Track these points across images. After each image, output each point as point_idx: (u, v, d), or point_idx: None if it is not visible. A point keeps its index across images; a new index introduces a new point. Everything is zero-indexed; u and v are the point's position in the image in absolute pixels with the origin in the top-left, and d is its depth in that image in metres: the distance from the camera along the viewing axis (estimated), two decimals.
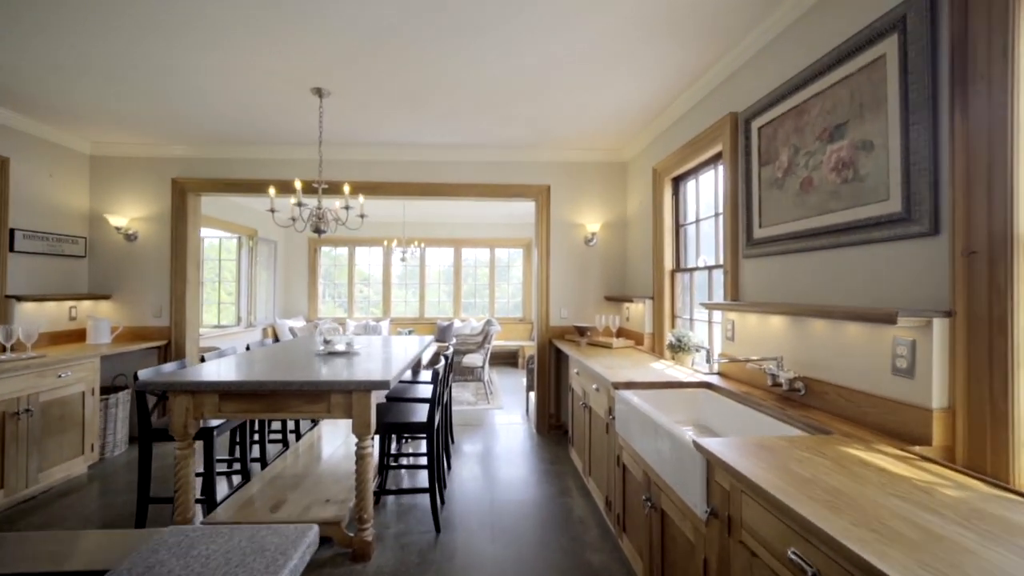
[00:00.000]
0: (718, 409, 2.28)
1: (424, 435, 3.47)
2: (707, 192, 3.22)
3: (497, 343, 8.11)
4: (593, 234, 4.41)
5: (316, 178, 3.31)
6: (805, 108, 2.04)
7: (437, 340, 8.36)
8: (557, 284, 4.46)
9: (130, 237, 4.27)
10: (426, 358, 5.59)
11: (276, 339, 7.76)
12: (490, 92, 3.15)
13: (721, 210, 2.88)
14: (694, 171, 3.34)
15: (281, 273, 8.43)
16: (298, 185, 3.09)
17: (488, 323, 7.22)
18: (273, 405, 2.37)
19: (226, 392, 2.34)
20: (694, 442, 1.44)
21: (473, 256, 8.96)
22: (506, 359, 8.54)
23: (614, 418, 2.42)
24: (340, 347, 3.25)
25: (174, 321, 4.29)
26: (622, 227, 4.50)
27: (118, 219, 4.23)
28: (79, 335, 4.07)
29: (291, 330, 7.38)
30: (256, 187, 4.30)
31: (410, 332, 6.65)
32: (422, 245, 7.65)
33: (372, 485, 2.55)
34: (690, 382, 2.44)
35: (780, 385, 1.99)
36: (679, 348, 3.07)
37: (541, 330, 4.44)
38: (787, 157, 2.16)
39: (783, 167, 2.19)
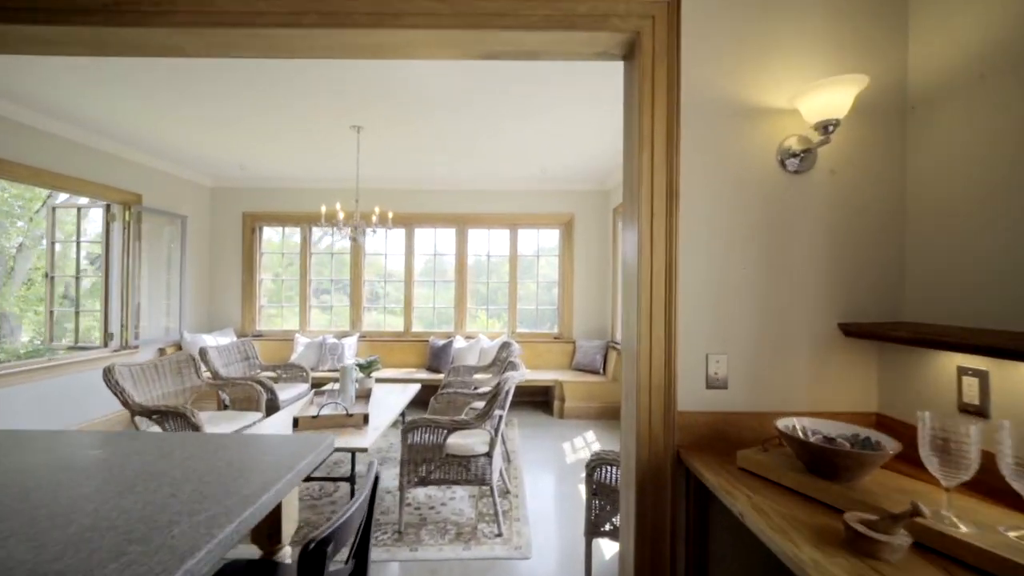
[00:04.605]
0: None
1: None
2: None
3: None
4: (820, 137, 1.45)
5: None
6: None
7: (429, 368, 5.51)
8: (696, 283, 1.52)
9: None
10: (387, 422, 2.76)
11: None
12: None
13: None
14: None
15: (197, 265, 5.69)
16: None
17: (504, 350, 4.32)
18: None
19: None
20: None
21: (484, 240, 6.06)
22: (532, 396, 5.64)
23: None
24: None
25: None
26: (896, 117, 1.52)
27: None
28: None
29: (199, 354, 4.56)
30: None
31: (369, 364, 3.81)
32: (388, 218, 4.65)
33: None
34: None
35: None
36: None
37: (644, 422, 1.50)
38: None
39: None
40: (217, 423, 3.11)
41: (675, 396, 1.49)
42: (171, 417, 2.78)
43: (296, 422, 2.92)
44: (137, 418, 2.87)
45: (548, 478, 3.52)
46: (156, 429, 2.87)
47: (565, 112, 3.58)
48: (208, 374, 4.04)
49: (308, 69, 2.98)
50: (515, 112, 3.58)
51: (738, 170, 1.52)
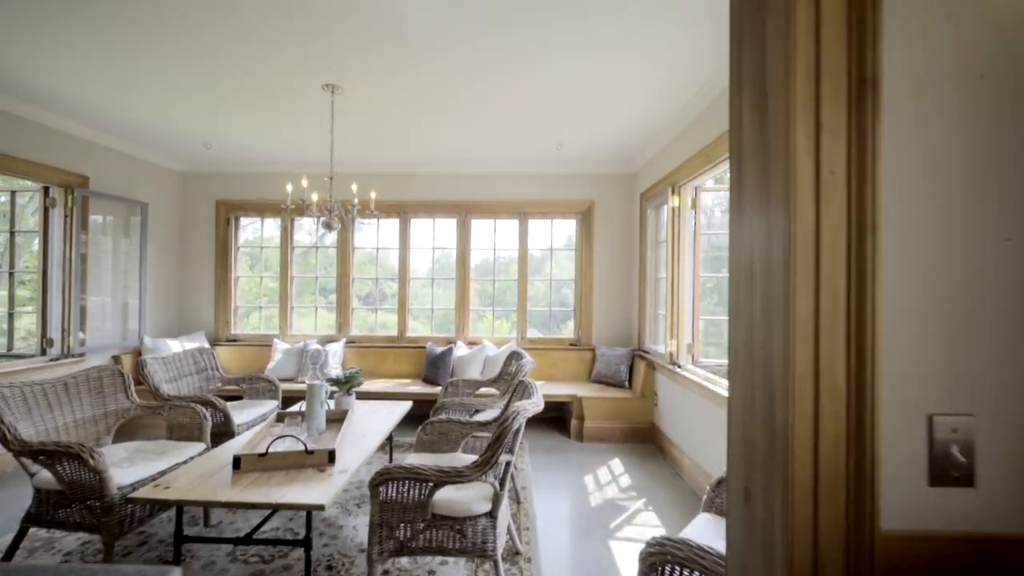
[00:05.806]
0: None
1: None
2: None
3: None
4: None
5: None
6: None
7: (425, 379, 4.77)
8: (907, 273, 0.75)
9: None
10: (360, 459, 2.03)
11: (137, 379, 4.21)
12: None
13: None
14: None
15: (164, 260, 5.00)
16: None
17: (512, 362, 3.58)
18: None
19: None
20: None
21: (490, 231, 5.31)
22: (545, 412, 4.87)
23: None
24: None
25: None
26: None
27: None
28: None
29: (137, 366, 3.80)
30: None
31: (348, 379, 3.09)
32: (371, 200, 3.83)
33: None
34: None
35: None
36: None
37: (803, 552, 0.74)
38: None
39: None
40: (138, 461, 2.39)
41: (874, 502, 0.72)
42: (63, 459, 2.05)
43: (237, 462, 2.19)
44: (24, 459, 2.15)
45: (568, 528, 2.76)
46: (47, 475, 2.15)
47: (589, 63, 2.83)
48: (137, 392, 3.33)
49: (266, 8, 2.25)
50: (526, 60, 2.83)
51: (997, 45, 0.75)
